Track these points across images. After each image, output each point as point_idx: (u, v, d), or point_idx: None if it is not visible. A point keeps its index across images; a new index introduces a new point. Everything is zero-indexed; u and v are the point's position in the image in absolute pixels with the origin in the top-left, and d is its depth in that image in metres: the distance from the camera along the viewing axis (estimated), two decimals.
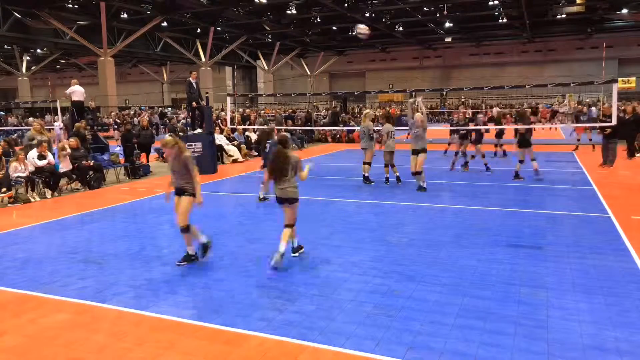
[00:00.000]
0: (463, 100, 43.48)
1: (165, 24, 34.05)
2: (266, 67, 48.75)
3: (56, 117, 16.32)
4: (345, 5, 29.79)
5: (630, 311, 4.33)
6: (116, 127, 25.98)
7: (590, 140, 17.70)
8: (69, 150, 11.36)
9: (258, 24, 35.71)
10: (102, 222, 8.21)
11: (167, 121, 29.61)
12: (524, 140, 11.20)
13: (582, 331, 3.98)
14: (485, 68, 48.08)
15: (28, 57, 45.05)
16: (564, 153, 16.94)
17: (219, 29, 36.42)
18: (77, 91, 14.48)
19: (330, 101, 44.45)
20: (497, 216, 7.99)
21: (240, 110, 27.57)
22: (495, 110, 30.62)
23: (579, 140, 17.97)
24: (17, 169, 10.40)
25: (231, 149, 16.47)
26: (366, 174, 11.07)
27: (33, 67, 46.70)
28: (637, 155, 14.83)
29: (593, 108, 24.79)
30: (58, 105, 17.08)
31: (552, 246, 6.28)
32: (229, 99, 19.84)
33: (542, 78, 42.59)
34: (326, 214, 8.39)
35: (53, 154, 11.29)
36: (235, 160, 16.20)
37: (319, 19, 33.72)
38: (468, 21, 35.28)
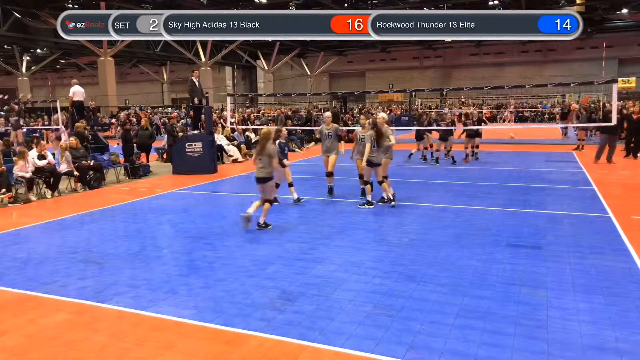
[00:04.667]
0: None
1: None
2: (266, 67, 48.72)
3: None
4: (345, 5, 29.78)
5: (630, 311, 4.33)
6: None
7: (582, 139, 17.86)
8: (67, 154, 11.28)
9: None
10: (102, 222, 8.21)
11: (167, 121, 29.66)
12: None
13: (582, 331, 3.97)
14: (485, 68, 48.05)
15: (28, 57, 45.02)
16: (564, 153, 16.94)
17: None
18: (77, 92, 14.62)
19: (330, 101, 44.47)
20: (497, 216, 7.99)
21: (240, 110, 27.60)
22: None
23: (581, 140, 18.06)
24: (23, 168, 10.28)
25: (231, 149, 16.47)
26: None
27: (33, 67, 46.67)
28: None
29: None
30: (58, 105, 17.14)
31: (552, 246, 6.27)
32: (229, 99, 19.83)
33: (542, 78, 42.64)
34: (326, 214, 8.39)
35: (54, 155, 11.29)
36: (235, 160, 16.20)
37: None
38: None
